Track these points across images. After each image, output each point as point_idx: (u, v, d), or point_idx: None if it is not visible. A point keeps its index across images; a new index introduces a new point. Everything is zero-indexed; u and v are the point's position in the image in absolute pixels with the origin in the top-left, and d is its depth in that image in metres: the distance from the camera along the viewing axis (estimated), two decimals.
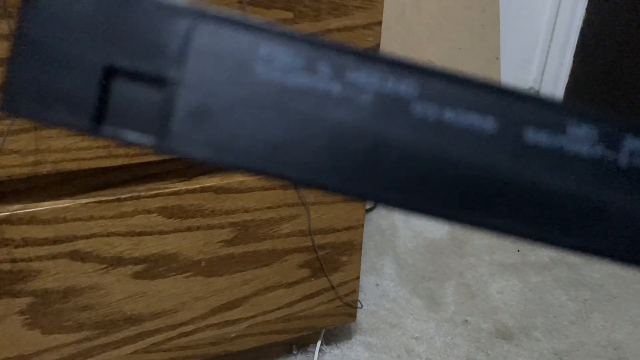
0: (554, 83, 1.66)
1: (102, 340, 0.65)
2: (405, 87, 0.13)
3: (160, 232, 0.62)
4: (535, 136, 0.13)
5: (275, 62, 0.13)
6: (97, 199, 0.58)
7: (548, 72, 1.66)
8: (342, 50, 0.13)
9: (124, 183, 0.60)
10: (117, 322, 0.65)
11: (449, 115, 0.13)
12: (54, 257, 0.59)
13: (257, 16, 0.56)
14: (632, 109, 1.49)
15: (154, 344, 0.67)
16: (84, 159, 0.56)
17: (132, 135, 0.13)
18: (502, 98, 0.13)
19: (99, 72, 0.13)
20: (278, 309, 0.72)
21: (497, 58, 1.38)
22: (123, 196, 0.59)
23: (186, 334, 0.68)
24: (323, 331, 0.81)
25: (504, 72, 1.47)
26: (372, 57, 0.13)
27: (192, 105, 0.13)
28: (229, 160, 0.13)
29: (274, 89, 0.13)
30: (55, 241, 0.58)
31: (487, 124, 0.13)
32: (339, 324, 0.78)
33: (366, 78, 0.13)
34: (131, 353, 0.67)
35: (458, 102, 0.13)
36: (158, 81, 0.13)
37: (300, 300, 0.73)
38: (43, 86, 0.12)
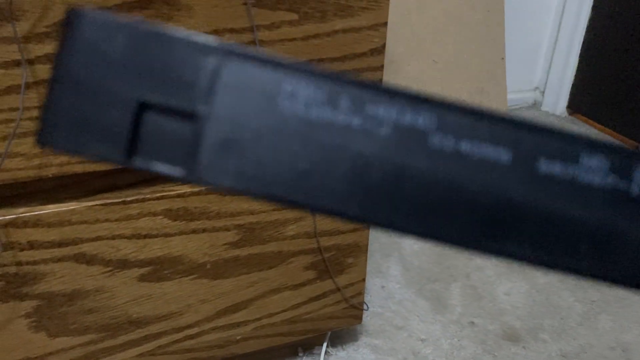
0: (559, 83, 1.65)
1: (108, 343, 0.65)
2: (423, 119, 0.13)
3: (166, 235, 0.62)
4: (548, 166, 0.13)
5: (299, 97, 0.13)
6: (103, 201, 0.58)
7: (553, 72, 1.65)
8: (361, 85, 0.13)
9: (130, 185, 0.60)
10: (123, 324, 0.65)
11: (465, 146, 0.13)
12: (59, 260, 0.59)
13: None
14: (638, 108, 1.48)
15: (159, 346, 0.67)
16: (89, 162, 0.56)
17: (162, 167, 0.14)
18: (516, 130, 0.13)
19: (132, 106, 0.13)
20: (283, 311, 0.71)
21: (503, 58, 1.38)
22: (128, 199, 0.59)
23: (192, 337, 0.68)
24: (329, 333, 0.81)
25: (510, 72, 1.47)
26: (390, 90, 0.13)
27: (219, 138, 0.13)
28: (254, 189, 0.13)
29: (298, 122, 0.13)
30: (61, 244, 0.58)
31: (502, 155, 0.13)
32: (344, 326, 0.78)
33: (385, 111, 0.13)
34: (137, 356, 0.67)
35: (474, 134, 0.13)
36: (188, 115, 0.13)
37: (305, 303, 0.72)
38: (78, 120, 0.13)
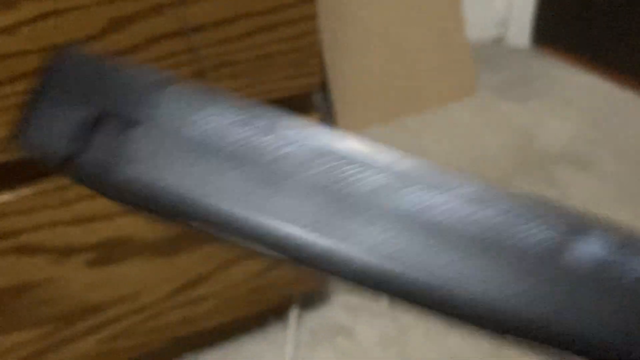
0: (521, 13, 1.61)
1: (65, 333, 0.63)
2: None
3: (109, 216, 0.59)
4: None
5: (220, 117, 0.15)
6: (38, 189, 0.55)
7: (515, 2, 1.61)
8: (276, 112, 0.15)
9: None
10: (78, 313, 0.62)
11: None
12: (0, 254, 0.56)
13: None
14: (602, 35, 1.46)
15: (119, 330, 0.65)
16: (16, 150, 0.52)
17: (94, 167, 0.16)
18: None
19: (84, 116, 0.16)
20: (246, 280, 0.69)
21: None
22: (64, 183, 0.56)
23: (153, 317, 0.66)
24: (298, 297, 0.79)
25: (468, 7, 1.42)
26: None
27: (150, 144, 0.15)
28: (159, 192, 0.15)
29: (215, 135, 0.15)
30: None
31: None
32: (313, 288, 0.77)
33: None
34: (98, 341, 0.65)
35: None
36: (131, 123, 0.15)
37: (268, 269, 0.70)
38: (43, 123, 0.16)
